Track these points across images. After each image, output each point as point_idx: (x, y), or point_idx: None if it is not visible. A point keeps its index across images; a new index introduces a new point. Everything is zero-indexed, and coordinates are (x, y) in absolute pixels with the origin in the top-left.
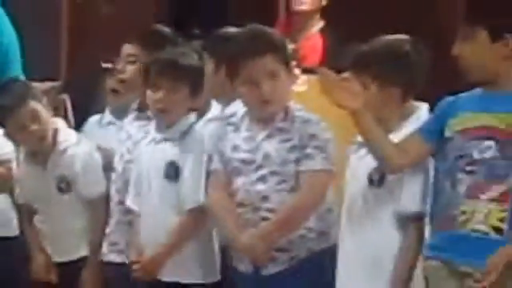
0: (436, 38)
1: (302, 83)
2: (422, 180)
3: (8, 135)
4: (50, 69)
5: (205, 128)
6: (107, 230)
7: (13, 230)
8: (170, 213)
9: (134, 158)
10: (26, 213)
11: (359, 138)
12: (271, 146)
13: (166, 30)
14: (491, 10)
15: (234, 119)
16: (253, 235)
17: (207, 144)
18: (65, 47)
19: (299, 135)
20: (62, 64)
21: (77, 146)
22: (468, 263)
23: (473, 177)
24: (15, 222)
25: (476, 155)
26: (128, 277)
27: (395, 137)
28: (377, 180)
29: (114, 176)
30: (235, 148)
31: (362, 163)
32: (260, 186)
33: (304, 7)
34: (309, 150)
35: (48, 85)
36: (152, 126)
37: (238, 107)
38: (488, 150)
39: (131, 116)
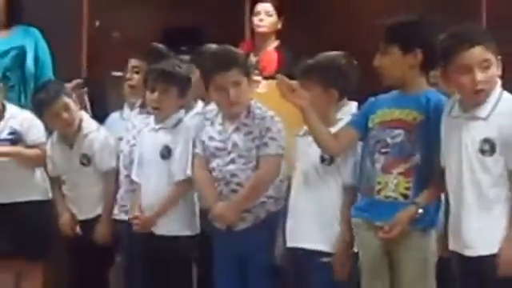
0: (363, 53)
1: (262, 87)
2: (354, 160)
3: (44, 122)
4: (74, 76)
5: (192, 120)
6: (118, 196)
7: (47, 194)
8: (163, 183)
9: (137, 143)
10: (56, 182)
11: (306, 127)
12: (238, 137)
13: (161, 47)
14: (402, 31)
15: (210, 115)
16: (224, 206)
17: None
18: (85, 59)
19: (258, 129)
20: (82, 72)
21: (96, 132)
22: (381, 219)
23: (386, 157)
24: (48, 188)
25: (389, 140)
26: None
27: (334, 128)
28: (328, 159)
29: (122, 156)
30: (211, 138)
31: (312, 146)
32: (230, 166)
33: (263, 30)
34: (265, 140)
35: (74, 82)
36: (152, 118)
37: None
38: (398, 136)
39: (136, 111)
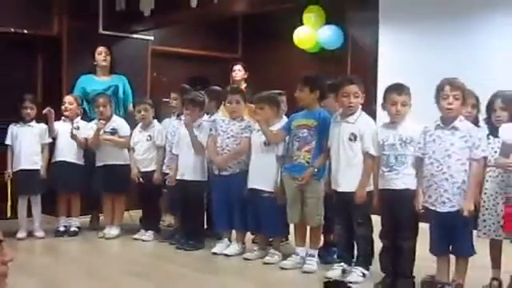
0: (292, 90)
1: None
2: (284, 144)
3: (133, 115)
4: None
5: (206, 123)
6: (165, 160)
7: (127, 161)
8: (190, 154)
9: (176, 134)
10: (131, 151)
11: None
12: (234, 127)
13: (188, 86)
14: (310, 80)
15: (223, 117)
16: (220, 159)
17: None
18: (148, 92)
19: (244, 125)
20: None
21: (158, 126)
22: (297, 174)
23: (299, 143)
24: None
25: (300, 135)
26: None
27: (275, 127)
28: (266, 143)
29: (168, 141)
30: (221, 126)
31: (260, 137)
32: (226, 141)
33: (238, 78)
34: (246, 130)
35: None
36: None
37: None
38: (304, 133)
39: (174, 118)
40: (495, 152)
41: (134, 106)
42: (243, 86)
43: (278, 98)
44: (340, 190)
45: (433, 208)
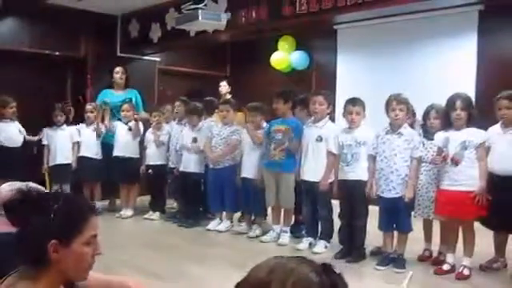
0: (270, 102)
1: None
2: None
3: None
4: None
5: (205, 126)
6: (170, 157)
7: (138, 155)
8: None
9: (180, 136)
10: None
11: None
12: (225, 131)
13: (186, 98)
14: (285, 93)
15: (216, 123)
16: (214, 156)
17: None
18: (156, 102)
19: (233, 129)
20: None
21: (167, 128)
22: (274, 170)
23: (275, 144)
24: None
25: (276, 138)
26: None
27: (260, 132)
28: (258, 143)
29: (172, 141)
30: (214, 130)
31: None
32: (219, 141)
33: (223, 91)
34: (234, 133)
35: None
36: (187, 126)
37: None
38: (279, 136)
39: (175, 122)
40: (428, 152)
41: (150, 113)
42: (228, 97)
43: (262, 107)
44: (307, 178)
45: (382, 194)
